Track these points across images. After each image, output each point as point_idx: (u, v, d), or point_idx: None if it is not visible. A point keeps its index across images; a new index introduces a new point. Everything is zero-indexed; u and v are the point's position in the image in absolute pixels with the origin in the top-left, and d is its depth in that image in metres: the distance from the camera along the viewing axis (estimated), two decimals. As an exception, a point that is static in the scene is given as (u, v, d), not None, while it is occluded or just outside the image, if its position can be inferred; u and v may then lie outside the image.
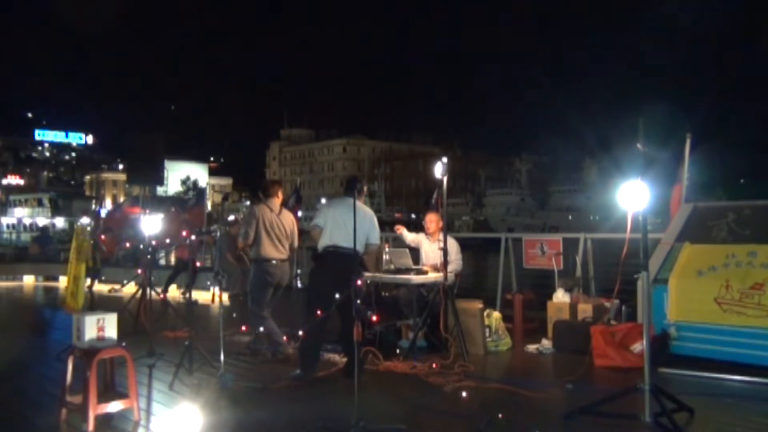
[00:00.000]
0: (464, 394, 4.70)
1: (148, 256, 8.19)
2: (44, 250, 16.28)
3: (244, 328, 6.29)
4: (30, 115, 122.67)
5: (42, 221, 53.31)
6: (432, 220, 6.91)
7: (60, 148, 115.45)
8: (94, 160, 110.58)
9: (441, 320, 6.03)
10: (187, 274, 9.87)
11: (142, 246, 8.41)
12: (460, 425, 4.23)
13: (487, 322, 6.32)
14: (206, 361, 5.44)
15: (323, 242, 5.36)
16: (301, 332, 5.42)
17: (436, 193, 6.53)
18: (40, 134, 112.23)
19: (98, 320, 4.19)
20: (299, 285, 7.96)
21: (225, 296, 6.67)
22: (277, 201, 6.19)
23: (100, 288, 11.49)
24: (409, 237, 7.16)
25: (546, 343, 6.40)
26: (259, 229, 5.97)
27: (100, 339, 4.18)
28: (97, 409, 4.00)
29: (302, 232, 9.72)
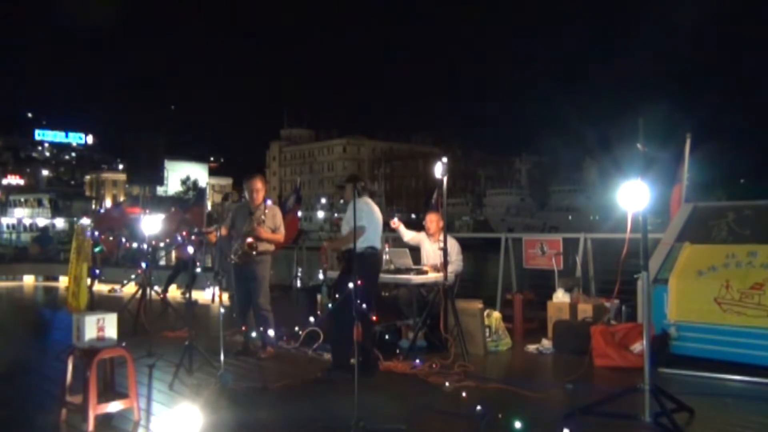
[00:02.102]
0: (464, 394, 4.70)
1: (148, 256, 8.19)
2: (44, 250, 16.27)
3: (244, 328, 6.29)
4: (30, 115, 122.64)
5: (42, 221, 53.40)
6: (433, 220, 6.90)
7: (60, 148, 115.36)
8: (94, 160, 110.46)
9: (441, 320, 6.03)
10: (187, 274, 9.87)
11: (142, 245, 8.42)
12: (460, 425, 4.23)
13: (487, 322, 6.32)
14: (206, 361, 5.44)
15: (366, 242, 5.31)
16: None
17: (436, 193, 6.53)
18: (40, 134, 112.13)
19: (98, 320, 4.19)
20: (299, 285, 7.95)
21: (225, 296, 6.67)
22: None
23: (100, 288, 11.48)
24: (408, 235, 7.11)
25: (546, 343, 6.39)
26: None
27: (100, 339, 4.18)
28: (97, 409, 4.00)
29: (301, 232, 9.73)
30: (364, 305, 4.84)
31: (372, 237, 5.37)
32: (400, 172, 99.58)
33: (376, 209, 5.55)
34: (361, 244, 5.23)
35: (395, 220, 7.23)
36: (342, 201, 5.90)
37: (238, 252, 5.99)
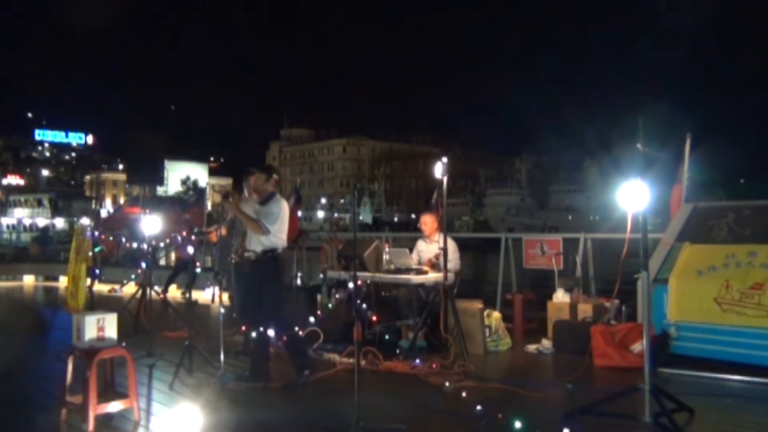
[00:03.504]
0: (464, 394, 4.70)
1: (148, 256, 8.19)
2: (44, 250, 16.26)
3: (244, 328, 6.28)
4: (30, 115, 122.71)
5: (42, 221, 53.39)
6: (426, 222, 6.88)
7: (60, 148, 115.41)
8: (94, 160, 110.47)
9: (441, 320, 6.03)
10: (187, 274, 9.86)
11: (142, 245, 8.42)
12: (460, 425, 4.23)
13: (487, 322, 6.32)
14: (206, 361, 5.44)
15: (282, 242, 5.27)
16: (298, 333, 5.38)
17: (436, 193, 6.52)
18: (40, 134, 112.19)
19: (98, 320, 4.19)
20: (299, 284, 7.96)
21: (225, 296, 6.67)
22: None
23: (100, 288, 11.47)
24: (415, 258, 6.87)
25: (546, 343, 6.39)
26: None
27: (100, 339, 4.18)
28: (97, 409, 4.01)
29: (302, 232, 9.73)
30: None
31: (285, 238, 5.28)
32: (400, 172, 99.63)
33: (287, 207, 5.44)
34: (280, 244, 5.20)
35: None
36: (247, 193, 5.71)
37: (238, 251, 5.99)
